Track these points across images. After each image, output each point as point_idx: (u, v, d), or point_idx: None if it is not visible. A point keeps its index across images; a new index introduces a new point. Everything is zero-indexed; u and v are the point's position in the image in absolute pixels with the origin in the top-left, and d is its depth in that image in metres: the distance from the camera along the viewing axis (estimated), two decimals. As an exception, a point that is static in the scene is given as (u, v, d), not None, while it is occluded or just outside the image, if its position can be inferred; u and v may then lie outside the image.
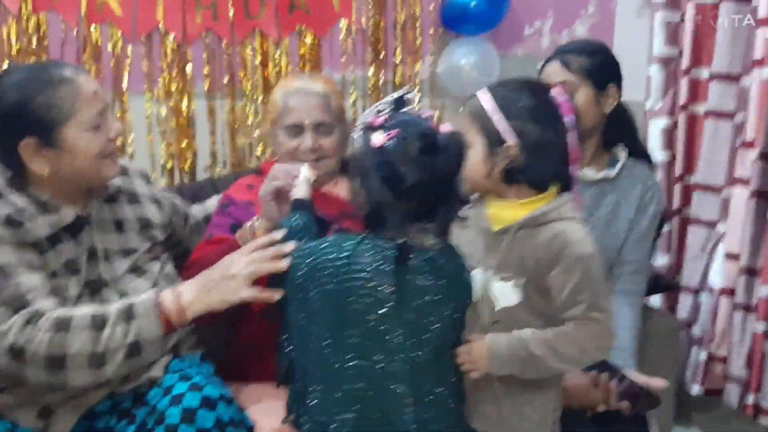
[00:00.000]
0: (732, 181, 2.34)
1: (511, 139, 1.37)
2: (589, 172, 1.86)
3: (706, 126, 2.45)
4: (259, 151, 2.49)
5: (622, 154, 1.90)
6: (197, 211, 1.98)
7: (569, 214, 1.39)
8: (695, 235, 2.49)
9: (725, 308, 2.34)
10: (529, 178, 1.40)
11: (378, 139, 1.27)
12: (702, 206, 2.47)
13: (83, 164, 1.51)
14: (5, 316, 1.39)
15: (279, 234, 1.41)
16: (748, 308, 2.30)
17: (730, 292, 2.33)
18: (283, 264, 1.36)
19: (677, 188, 2.57)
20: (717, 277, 2.38)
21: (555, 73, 1.84)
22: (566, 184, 1.43)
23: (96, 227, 1.59)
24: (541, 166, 1.39)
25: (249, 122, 2.46)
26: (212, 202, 2.01)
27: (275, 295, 1.37)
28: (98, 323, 1.40)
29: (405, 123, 1.30)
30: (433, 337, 1.34)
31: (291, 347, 1.36)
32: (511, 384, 1.40)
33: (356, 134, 1.34)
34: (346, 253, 1.30)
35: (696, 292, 2.49)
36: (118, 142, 1.75)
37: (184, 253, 1.84)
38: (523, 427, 1.41)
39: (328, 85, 1.88)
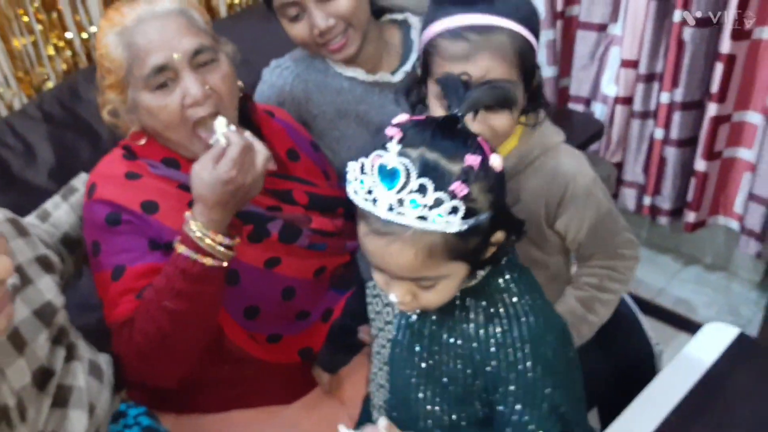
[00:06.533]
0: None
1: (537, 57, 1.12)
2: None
3: None
4: (50, 50, 1.73)
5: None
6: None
7: (554, 137, 1.20)
8: (584, 41, 2.25)
9: (622, 116, 2.23)
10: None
11: (497, 161, 0.88)
12: (592, 7, 2.19)
13: None
14: None
15: None
16: (646, 115, 2.20)
17: (627, 100, 2.19)
18: None
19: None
20: (611, 87, 2.21)
21: None
22: None
23: None
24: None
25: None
26: (60, 213, 1.30)
27: None
28: None
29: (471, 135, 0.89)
30: None
31: None
32: None
33: (457, 171, 0.85)
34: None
35: (587, 101, 2.32)
36: None
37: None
38: None
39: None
